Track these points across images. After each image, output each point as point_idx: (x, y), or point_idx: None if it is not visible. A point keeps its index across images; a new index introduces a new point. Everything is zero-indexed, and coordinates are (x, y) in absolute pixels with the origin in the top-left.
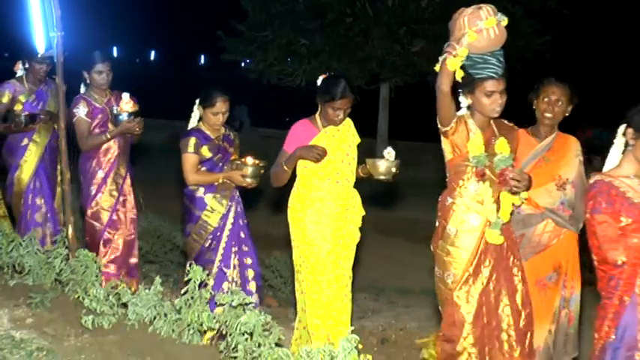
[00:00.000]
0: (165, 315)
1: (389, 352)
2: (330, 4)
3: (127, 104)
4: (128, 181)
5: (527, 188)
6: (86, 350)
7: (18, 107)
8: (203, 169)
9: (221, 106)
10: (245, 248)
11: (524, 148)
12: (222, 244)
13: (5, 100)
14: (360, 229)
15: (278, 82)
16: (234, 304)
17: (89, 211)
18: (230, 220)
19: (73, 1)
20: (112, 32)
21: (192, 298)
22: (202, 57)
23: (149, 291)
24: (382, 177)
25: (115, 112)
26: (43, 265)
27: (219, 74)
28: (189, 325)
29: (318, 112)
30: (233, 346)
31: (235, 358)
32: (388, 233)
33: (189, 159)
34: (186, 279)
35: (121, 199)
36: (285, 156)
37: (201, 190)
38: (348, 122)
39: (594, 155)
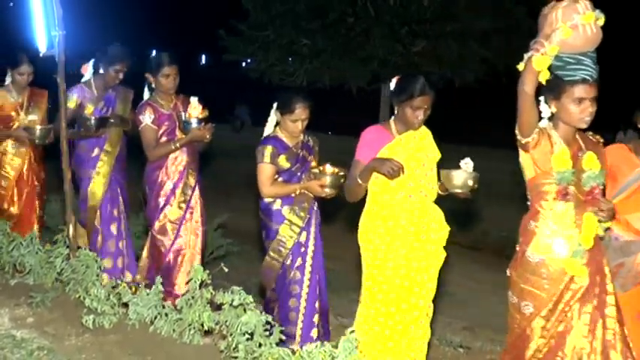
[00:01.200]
0: (166, 315)
1: None
2: (331, 4)
3: (195, 109)
4: (197, 192)
5: (611, 218)
6: (87, 350)
7: (89, 110)
8: (280, 179)
9: (301, 112)
10: (321, 263)
11: (624, 166)
12: (309, 261)
13: (72, 105)
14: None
15: (279, 82)
16: (234, 303)
17: (157, 225)
18: (312, 234)
19: (75, 0)
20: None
21: (192, 297)
22: (203, 57)
23: (150, 291)
24: (458, 190)
25: (183, 118)
26: (43, 264)
27: (221, 74)
28: (190, 325)
29: (393, 117)
30: (234, 345)
31: (236, 358)
32: None
33: (265, 170)
34: (187, 280)
35: (189, 211)
36: (358, 167)
37: (278, 202)
38: (426, 132)
39: None
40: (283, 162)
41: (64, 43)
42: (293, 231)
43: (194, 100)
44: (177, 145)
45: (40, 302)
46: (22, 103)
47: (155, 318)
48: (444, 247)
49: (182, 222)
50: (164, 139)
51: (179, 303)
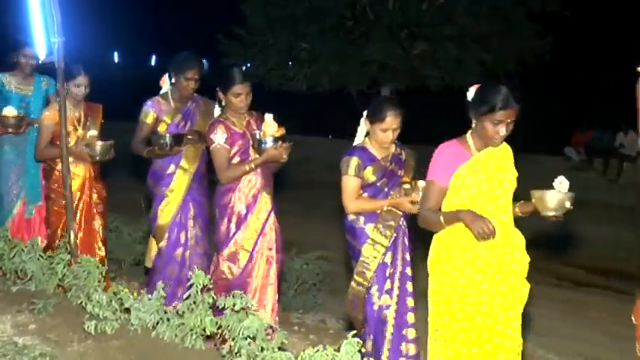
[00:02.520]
0: (168, 320)
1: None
2: (330, 8)
3: (270, 127)
4: (272, 217)
5: None
6: (89, 356)
7: (162, 128)
8: (365, 194)
9: (392, 121)
10: (410, 287)
11: None
12: (396, 283)
13: (149, 120)
14: None
15: (278, 86)
16: (236, 308)
17: (226, 251)
18: (400, 254)
19: (74, 6)
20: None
21: (194, 302)
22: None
23: (151, 296)
24: (551, 213)
25: (257, 137)
26: (45, 270)
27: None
28: (192, 330)
29: (470, 131)
30: (236, 350)
31: None
32: None
33: (350, 183)
34: (188, 284)
35: (264, 237)
36: (433, 190)
37: (361, 219)
38: (507, 149)
39: (595, 157)
40: (369, 175)
41: (64, 50)
42: (377, 250)
43: (269, 117)
44: (252, 165)
45: (42, 308)
46: (78, 117)
47: (157, 323)
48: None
49: (254, 249)
50: (237, 159)
51: (181, 308)
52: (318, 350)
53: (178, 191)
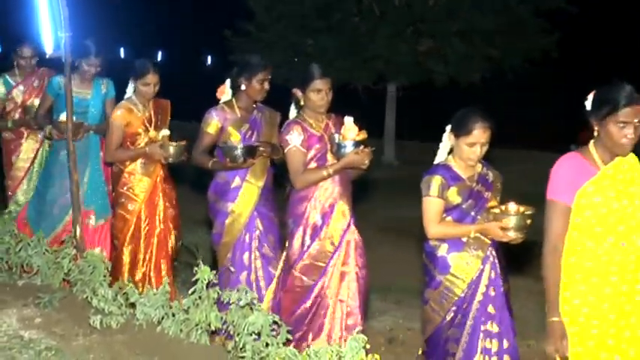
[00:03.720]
0: (174, 315)
1: (397, 351)
2: (336, 4)
3: (351, 131)
4: (352, 228)
5: None
6: (94, 350)
7: (235, 138)
8: (449, 218)
9: (480, 135)
10: (494, 328)
11: None
12: (470, 321)
13: (213, 130)
14: (366, 229)
15: (285, 82)
16: (241, 303)
17: (299, 264)
18: (482, 288)
19: (81, 1)
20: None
21: (199, 298)
22: (209, 57)
23: (157, 291)
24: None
25: (336, 140)
26: (51, 265)
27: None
28: (197, 325)
29: (592, 142)
30: (241, 345)
31: (243, 357)
32: (397, 233)
33: (432, 205)
34: (194, 279)
35: (341, 251)
36: (557, 210)
37: (444, 247)
38: (635, 160)
39: None
40: (453, 196)
41: (71, 45)
42: (460, 283)
43: (349, 120)
44: (330, 171)
45: (47, 303)
46: (149, 117)
47: (162, 318)
48: None
49: (329, 263)
50: (313, 164)
51: (186, 303)
52: (323, 347)
53: (245, 207)
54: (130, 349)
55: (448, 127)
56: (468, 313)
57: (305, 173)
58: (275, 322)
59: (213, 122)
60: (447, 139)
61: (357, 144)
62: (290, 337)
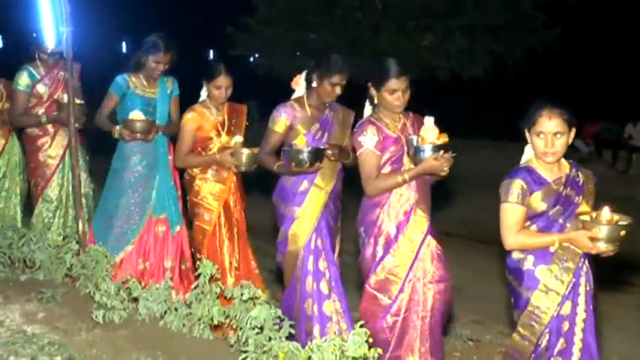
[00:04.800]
0: (176, 309)
1: None
2: None
3: (430, 133)
4: (429, 239)
5: None
6: (97, 345)
7: (301, 141)
8: (533, 227)
9: (544, 122)
10: (593, 349)
11: None
12: (578, 344)
13: (281, 129)
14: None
15: (287, 77)
16: (244, 298)
17: (373, 279)
18: (582, 305)
19: None
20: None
21: (202, 292)
22: (211, 52)
23: (159, 285)
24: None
25: (414, 143)
26: (53, 260)
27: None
28: (199, 320)
29: None
30: (244, 340)
31: (246, 352)
32: None
33: (511, 212)
34: (197, 273)
35: (419, 263)
36: None
37: (530, 259)
38: None
39: (604, 148)
40: (537, 202)
41: (72, 40)
42: (551, 300)
43: (429, 120)
44: (406, 177)
45: (50, 298)
46: (222, 121)
47: (165, 313)
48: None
49: (406, 277)
50: (388, 168)
51: (188, 298)
52: (326, 340)
53: (312, 213)
54: (132, 344)
55: (524, 124)
56: (573, 335)
57: (379, 179)
58: (278, 317)
59: (281, 120)
60: (528, 139)
61: (436, 148)
62: (293, 331)
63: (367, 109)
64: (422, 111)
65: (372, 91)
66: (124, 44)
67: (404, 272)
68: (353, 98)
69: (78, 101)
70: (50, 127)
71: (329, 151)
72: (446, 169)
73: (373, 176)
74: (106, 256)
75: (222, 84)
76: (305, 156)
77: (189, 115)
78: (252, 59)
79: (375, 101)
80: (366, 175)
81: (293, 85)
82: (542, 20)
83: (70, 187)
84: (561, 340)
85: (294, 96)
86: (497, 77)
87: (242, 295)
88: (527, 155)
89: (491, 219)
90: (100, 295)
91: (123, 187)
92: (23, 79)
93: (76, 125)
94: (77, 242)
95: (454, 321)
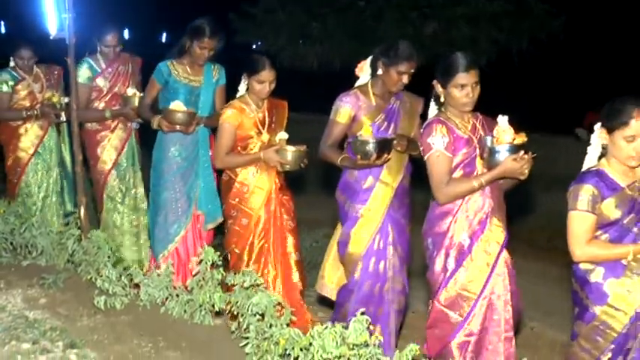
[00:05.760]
0: (177, 296)
1: (402, 334)
2: None
3: (506, 133)
4: (504, 253)
5: None
6: (99, 330)
7: (367, 131)
8: (605, 236)
9: (637, 126)
10: None
11: None
12: None
13: (344, 119)
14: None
15: (290, 65)
16: (245, 285)
17: (443, 295)
18: None
19: None
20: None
21: (203, 279)
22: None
23: (161, 272)
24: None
25: (489, 144)
26: (55, 245)
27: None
28: (200, 306)
29: None
30: (245, 326)
31: (247, 338)
32: None
33: (580, 221)
34: (197, 260)
35: (495, 278)
36: None
37: (599, 271)
38: None
39: None
40: (610, 209)
41: (75, 26)
42: (618, 318)
43: (503, 120)
44: (482, 181)
45: (52, 283)
46: (262, 118)
47: (166, 299)
48: None
49: (481, 294)
50: (459, 172)
51: (190, 284)
52: (326, 327)
53: (377, 211)
54: (134, 330)
55: (597, 125)
56: (627, 353)
57: (451, 184)
58: (279, 303)
59: (344, 110)
60: (598, 137)
61: (514, 149)
62: (294, 318)
63: (432, 109)
64: (426, 100)
65: (438, 89)
66: (126, 31)
67: (478, 288)
68: (353, 86)
69: (141, 94)
70: (110, 121)
71: (396, 141)
72: (526, 172)
73: (445, 181)
74: (107, 242)
75: (266, 78)
76: (371, 147)
77: (228, 112)
78: (254, 46)
79: (442, 99)
80: (437, 181)
81: (357, 71)
82: (546, 9)
83: (129, 191)
84: (619, 357)
85: (357, 83)
86: (501, 66)
87: (243, 282)
88: (593, 157)
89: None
90: (101, 281)
91: (163, 181)
92: (84, 72)
93: (140, 120)
94: (79, 228)
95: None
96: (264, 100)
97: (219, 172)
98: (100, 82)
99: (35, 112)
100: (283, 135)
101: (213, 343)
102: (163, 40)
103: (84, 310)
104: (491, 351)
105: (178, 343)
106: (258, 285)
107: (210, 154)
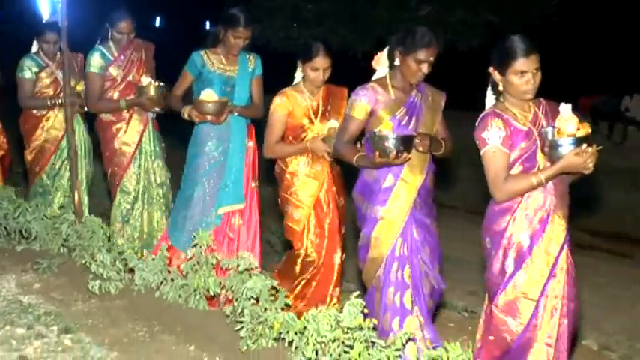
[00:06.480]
0: (172, 280)
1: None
2: None
3: (569, 123)
4: (565, 252)
5: None
6: (93, 315)
7: (387, 127)
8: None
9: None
10: None
11: None
12: None
13: (360, 115)
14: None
15: (282, 48)
16: (240, 268)
17: (501, 298)
18: None
19: None
20: None
21: (198, 263)
22: (207, 23)
23: (155, 256)
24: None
25: (550, 137)
26: (49, 230)
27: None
28: (195, 290)
29: None
30: (239, 310)
31: (241, 322)
32: None
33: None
34: (191, 244)
35: (554, 280)
36: None
37: None
38: None
39: (600, 120)
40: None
41: (67, 9)
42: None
43: (566, 108)
44: (542, 178)
45: (46, 268)
46: (315, 107)
47: (161, 283)
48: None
49: (541, 297)
50: (519, 168)
51: (184, 268)
52: (321, 311)
53: (399, 212)
54: (128, 314)
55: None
56: None
57: (508, 181)
58: (273, 287)
59: (360, 105)
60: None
61: (577, 141)
62: (289, 302)
63: (489, 99)
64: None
65: (496, 76)
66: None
67: (537, 291)
68: (348, 70)
69: (158, 83)
70: (125, 112)
71: (418, 140)
72: (590, 165)
73: (502, 178)
74: (101, 227)
75: (320, 65)
76: (391, 143)
77: (278, 100)
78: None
79: (500, 88)
80: (494, 178)
81: (374, 64)
82: None
83: (147, 180)
84: None
85: (375, 76)
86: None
87: (238, 265)
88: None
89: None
90: (96, 265)
91: (197, 176)
92: (96, 61)
93: (157, 109)
94: (73, 213)
95: (450, 292)
96: (319, 87)
97: (272, 164)
98: (113, 70)
99: (59, 101)
100: (333, 123)
101: (207, 327)
102: (157, 24)
103: (78, 295)
104: (533, 354)
105: (173, 327)
106: (252, 269)
107: (245, 144)
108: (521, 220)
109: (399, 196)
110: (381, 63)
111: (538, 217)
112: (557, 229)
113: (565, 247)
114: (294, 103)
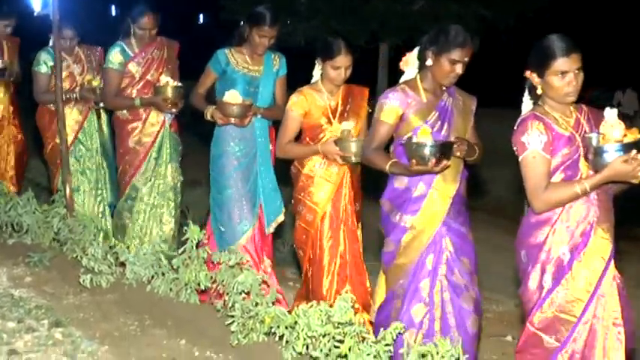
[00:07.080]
0: (163, 274)
1: None
2: None
3: (615, 129)
4: (611, 269)
5: None
6: (85, 309)
7: (425, 133)
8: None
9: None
10: None
11: None
12: None
13: (391, 119)
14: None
15: (277, 42)
16: (231, 263)
17: (537, 316)
18: None
19: None
20: None
21: (189, 257)
22: (201, 16)
23: (147, 250)
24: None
25: (595, 143)
26: (41, 224)
27: (219, 33)
28: (186, 285)
29: None
30: (230, 305)
31: (232, 316)
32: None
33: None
34: (183, 239)
35: (600, 299)
36: None
37: None
38: None
39: None
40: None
41: (58, 3)
42: None
43: (611, 114)
44: (586, 187)
45: (37, 262)
46: (334, 107)
47: (152, 277)
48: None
49: (582, 317)
50: (560, 176)
51: (175, 263)
52: (312, 305)
53: (430, 222)
54: (119, 308)
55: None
56: None
57: (550, 189)
58: (264, 282)
59: (391, 108)
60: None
61: (624, 147)
62: (280, 296)
63: (526, 103)
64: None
65: (534, 79)
66: (112, 8)
67: (579, 310)
68: None
69: (175, 83)
70: (142, 112)
71: (457, 144)
72: (639, 174)
73: (542, 186)
74: (93, 221)
75: (342, 64)
76: (430, 151)
77: (294, 99)
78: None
79: (539, 91)
80: (533, 186)
81: (402, 65)
82: None
83: (157, 181)
84: None
85: (403, 78)
86: (486, 43)
87: (229, 260)
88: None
89: (498, 189)
90: (87, 259)
91: (224, 178)
92: (115, 57)
93: (173, 111)
94: (64, 206)
95: None
96: (339, 86)
97: (287, 164)
98: (133, 67)
99: (74, 96)
100: (347, 125)
101: (198, 321)
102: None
103: (70, 289)
104: None
105: (164, 321)
106: (243, 263)
107: (270, 148)
108: (561, 233)
109: (430, 206)
110: (409, 64)
111: (580, 229)
112: (602, 242)
113: (611, 263)
114: (312, 102)
